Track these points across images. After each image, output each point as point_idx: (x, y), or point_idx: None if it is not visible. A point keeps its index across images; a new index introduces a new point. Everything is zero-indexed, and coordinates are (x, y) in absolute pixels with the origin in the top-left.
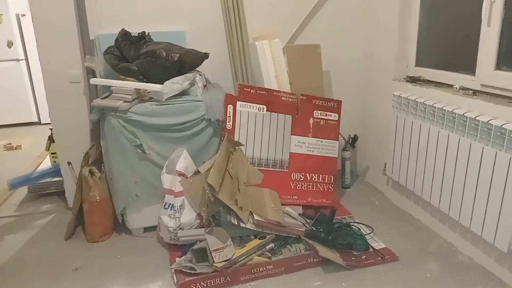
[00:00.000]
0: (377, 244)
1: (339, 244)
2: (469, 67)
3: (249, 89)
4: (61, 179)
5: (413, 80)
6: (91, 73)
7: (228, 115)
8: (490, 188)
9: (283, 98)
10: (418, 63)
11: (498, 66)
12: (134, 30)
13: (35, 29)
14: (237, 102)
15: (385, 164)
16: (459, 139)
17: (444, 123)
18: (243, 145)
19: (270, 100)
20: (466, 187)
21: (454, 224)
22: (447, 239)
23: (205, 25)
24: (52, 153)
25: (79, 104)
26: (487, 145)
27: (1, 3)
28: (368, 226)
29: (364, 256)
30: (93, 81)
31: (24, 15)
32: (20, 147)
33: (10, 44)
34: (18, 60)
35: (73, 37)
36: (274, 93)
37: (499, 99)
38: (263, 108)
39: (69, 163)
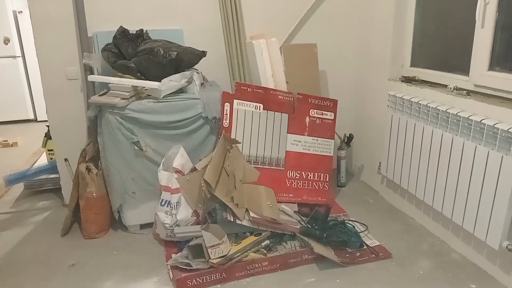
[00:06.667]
0: (371, 241)
1: (333, 241)
2: (463, 67)
3: (246, 88)
4: (58, 176)
5: (408, 80)
6: (88, 70)
7: (225, 113)
8: (482, 186)
9: (279, 96)
10: (413, 64)
11: (491, 67)
12: (132, 28)
13: (33, 26)
14: (234, 100)
15: (380, 163)
16: (452, 138)
17: (438, 123)
18: (240, 142)
19: (267, 98)
20: (459, 185)
21: (447, 222)
22: (440, 237)
23: (203, 24)
24: (48, 150)
25: (77, 101)
26: (479, 144)
27: None
28: (363, 224)
29: (358, 253)
30: (90, 78)
31: (21, 12)
32: (16, 144)
33: (6, 41)
34: (14, 57)
35: (71, 35)
36: (271, 92)
37: (491, 99)
38: (259, 106)
39: (66, 159)
